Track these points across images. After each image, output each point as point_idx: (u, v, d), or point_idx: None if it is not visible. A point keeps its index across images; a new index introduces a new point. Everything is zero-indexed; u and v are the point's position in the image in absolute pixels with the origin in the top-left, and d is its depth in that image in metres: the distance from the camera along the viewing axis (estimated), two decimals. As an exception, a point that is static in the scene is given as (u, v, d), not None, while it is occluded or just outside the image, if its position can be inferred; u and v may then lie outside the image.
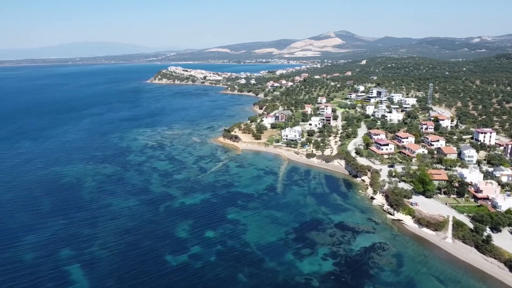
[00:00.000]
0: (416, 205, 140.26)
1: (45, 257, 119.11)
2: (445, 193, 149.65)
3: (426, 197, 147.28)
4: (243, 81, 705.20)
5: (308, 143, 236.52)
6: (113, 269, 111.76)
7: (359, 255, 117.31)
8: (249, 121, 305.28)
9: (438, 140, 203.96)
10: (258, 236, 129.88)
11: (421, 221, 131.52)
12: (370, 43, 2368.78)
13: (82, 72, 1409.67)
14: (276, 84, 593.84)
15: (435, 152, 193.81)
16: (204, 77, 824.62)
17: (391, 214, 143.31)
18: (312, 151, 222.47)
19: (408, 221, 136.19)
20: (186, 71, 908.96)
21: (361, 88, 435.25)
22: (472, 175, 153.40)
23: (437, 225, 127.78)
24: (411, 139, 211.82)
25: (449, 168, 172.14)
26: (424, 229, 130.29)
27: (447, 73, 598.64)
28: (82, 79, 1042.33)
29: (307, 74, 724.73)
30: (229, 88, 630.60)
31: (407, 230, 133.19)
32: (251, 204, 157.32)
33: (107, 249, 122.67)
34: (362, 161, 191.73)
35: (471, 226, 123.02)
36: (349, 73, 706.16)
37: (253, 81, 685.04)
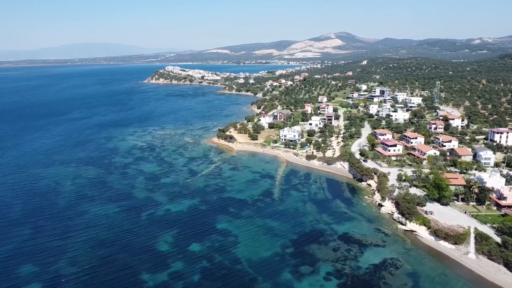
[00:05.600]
0: (431, 213, 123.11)
1: (1, 274, 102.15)
2: (463, 200, 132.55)
3: (442, 204, 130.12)
4: (241, 81, 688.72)
5: (308, 144, 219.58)
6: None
7: (368, 274, 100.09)
8: (245, 121, 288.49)
9: (450, 141, 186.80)
10: (250, 250, 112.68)
11: (438, 233, 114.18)
12: (371, 44, 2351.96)
13: (77, 73, 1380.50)
14: (275, 84, 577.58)
15: (448, 153, 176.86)
16: (202, 77, 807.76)
17: (402, 224, 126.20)
18: (313, 152, 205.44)
19: (422, 233, 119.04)
20: (184, 71, 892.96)
21: (363, 87, 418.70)
22: (493, 180, 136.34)
23: (457, 237, 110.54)
24: (421, 139, 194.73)
25: (465, 171, 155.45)
26: (442, 242, 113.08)
27: (450, 73, 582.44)
28: (74, 79, 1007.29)
29: (307, 74, 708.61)
30: (227, 88, 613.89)
31: (422, 243, 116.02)
32: (244, 212, 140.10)
33: (75, 265, 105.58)
34: (367, 163, 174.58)
35: (497, 239, 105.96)
36: (350, 73, 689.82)
37: (252, 81, 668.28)
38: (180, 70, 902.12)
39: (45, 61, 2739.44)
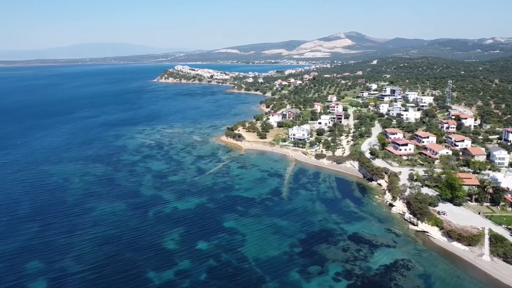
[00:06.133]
0: (444, 214, 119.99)
1: (7, 270, 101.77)
2: (476, 200, 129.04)
3: (455, 204, 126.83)
4: (250, 80, 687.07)
5: (318, 143, 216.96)
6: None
7: (379, 275, 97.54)
8: (254, 120, 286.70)
9: (463, 140, 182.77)
10: (258, 249, 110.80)
11: (451, 234, 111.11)
12: (381, 44, 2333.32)
13: (87, 72, 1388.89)
14: (284, 83, 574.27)
15: (461, 153, 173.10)
16: (211, 76, 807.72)
17: (414, 224, 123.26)
18: (322, 151, 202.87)
19: (435, 233, 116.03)
20: (193, 70, 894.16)
21: (374, 86, 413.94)
22: (508, 180, 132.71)
23: (471, 238, 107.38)
24: (432, 138, 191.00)
25: (478, 171, 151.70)
26: (455, 243, 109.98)
27: (462, 72, 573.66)
28: (84, 79, 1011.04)
29: (316, 73, 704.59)
30: (236, 87, 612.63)
31: (434, 244, 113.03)
32: (252, 211, 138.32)
33: (81, 263, 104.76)
34: (378, 162, 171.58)
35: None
36: (359, 73, 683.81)
37: (261, 80, 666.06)
38: (190, 69, 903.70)
39: (56, 61, 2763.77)
